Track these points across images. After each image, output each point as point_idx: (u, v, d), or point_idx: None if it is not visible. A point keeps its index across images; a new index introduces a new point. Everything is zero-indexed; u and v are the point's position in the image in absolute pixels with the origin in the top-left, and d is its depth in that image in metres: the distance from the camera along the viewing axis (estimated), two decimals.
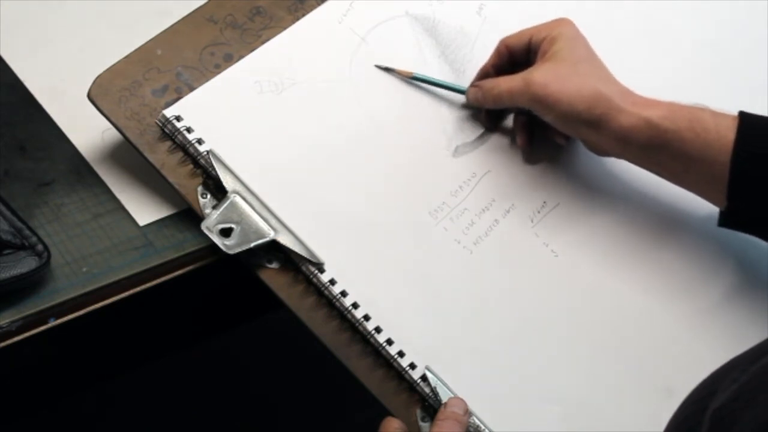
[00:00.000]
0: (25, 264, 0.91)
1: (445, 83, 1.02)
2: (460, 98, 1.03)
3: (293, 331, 0.97)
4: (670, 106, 0.94)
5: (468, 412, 0.91)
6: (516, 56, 1.00)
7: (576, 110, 0.94)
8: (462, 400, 0.91)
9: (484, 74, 1.02)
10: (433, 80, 1.02)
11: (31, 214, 0.95)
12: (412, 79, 1.02)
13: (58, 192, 0.98)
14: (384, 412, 0.92)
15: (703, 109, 0.94)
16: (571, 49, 0.97)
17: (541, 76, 0.96)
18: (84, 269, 0.93)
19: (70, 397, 1.01)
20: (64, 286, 0.92)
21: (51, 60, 1.06)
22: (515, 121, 1.02)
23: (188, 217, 0.97)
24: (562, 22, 0.99)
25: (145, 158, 0.96)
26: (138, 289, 0.94)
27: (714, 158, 0.92)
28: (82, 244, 0.95)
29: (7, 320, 0.89)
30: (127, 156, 0.99)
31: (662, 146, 0.93)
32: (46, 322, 0.90)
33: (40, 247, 0.92)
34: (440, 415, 0.91)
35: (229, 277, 0.99)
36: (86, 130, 1.01)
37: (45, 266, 0.91)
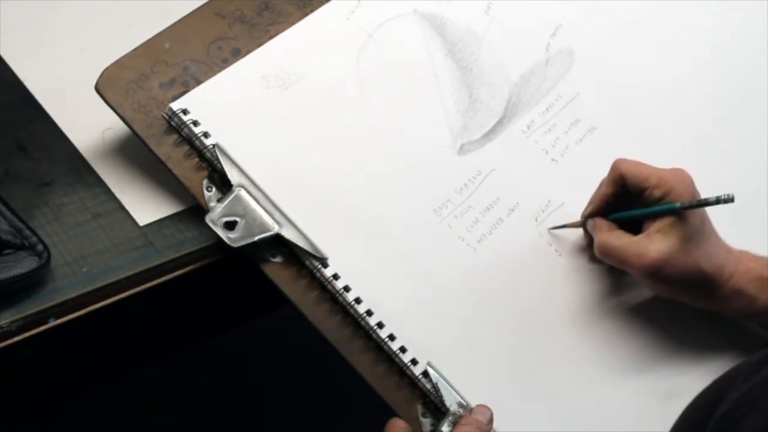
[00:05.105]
0: (25, 264, 0.91)
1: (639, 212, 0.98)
2: (465, 96, 1.04)
3: (294, 331, 0.98)
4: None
5: (492, 422, 0.92)
6: (629, 187, 0.97)
7: (679, 293, 0.97)
8: (488, 408, 0.92)
9: (605, 201, 0.98)
10: (627, 214, 0.98)
11: (31, 214, 0.96)
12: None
13: (58, 192, 0.99)
14: (385, 409, 0.93)
15: None
16: (685, 222, 0.94)
17: (656, 254, 0.94)
18: (84, 269, 0.94)
19: (71, 397, 1.01)
20: (64, 286, 0.93)
21: (51, 60, 1.08)
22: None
23: (188, 216, 0.98)
24: (681, 176, 0.96)
25: (151, 151, 0.97)
26: (138, 289, 0.95)
27: None
28: (82, 244, 0.96)
29: (7, 320, 0.90)
30: (127, 156, 1.01)
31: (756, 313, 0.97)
32: (46, 322, 0.91)
33: (40, 247, 0.93)
34: (464, 420, 0.92)
35: (230, 277, 1.00)
36: (86, 130, 1.02)
37: (45, 266, 0.92)
